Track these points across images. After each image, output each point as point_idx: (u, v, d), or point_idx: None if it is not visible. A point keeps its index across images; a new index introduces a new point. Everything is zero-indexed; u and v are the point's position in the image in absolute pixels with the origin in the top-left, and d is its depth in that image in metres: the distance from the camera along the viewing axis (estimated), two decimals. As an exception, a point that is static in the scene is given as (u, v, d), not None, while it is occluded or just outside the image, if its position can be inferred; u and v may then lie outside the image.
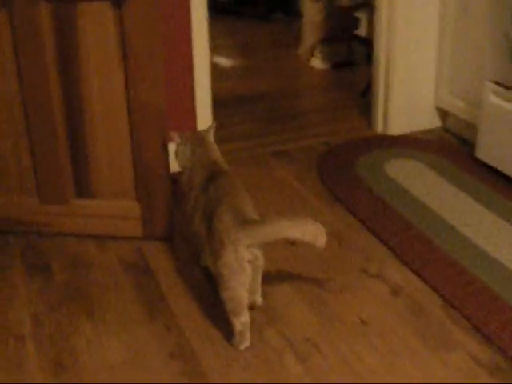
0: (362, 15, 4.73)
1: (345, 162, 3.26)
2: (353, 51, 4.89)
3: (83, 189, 2.66)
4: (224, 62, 5.11)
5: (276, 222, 2.07)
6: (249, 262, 2.00)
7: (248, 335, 2.07)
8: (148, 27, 2.36)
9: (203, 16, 3.05)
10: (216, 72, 4.64)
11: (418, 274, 2.38)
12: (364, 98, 4.11)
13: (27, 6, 2.37)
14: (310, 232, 2.03)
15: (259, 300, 2.23)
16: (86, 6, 2.37)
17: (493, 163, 3.08)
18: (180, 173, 2.48)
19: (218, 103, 3.46)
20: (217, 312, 2.17)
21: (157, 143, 2.53)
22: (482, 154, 3.14)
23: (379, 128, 3.63)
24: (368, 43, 4.26)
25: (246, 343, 2.06)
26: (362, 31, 4.77)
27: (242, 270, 1.99)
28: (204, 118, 3.21)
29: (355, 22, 4.76)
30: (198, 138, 2.41)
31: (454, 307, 2.21)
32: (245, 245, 1.98)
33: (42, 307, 2.29)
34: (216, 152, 2.39)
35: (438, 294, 2.28)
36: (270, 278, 2.33)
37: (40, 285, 2.41)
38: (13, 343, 2.14)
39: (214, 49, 5.23)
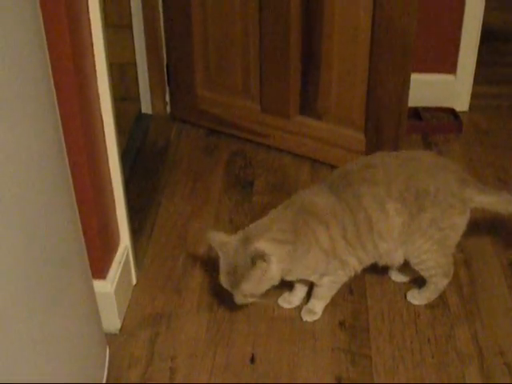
0: None
1: None
2: None
3: (308, 107, 2.43)
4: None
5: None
6: None
7: None
8: None
9: None
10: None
11: None
12: None
13: None
14: None
15: None
16: None
17: None
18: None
19: (495, 36, 2.93)
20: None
21: (399, 74, 2.19)
22: None
23: None
24: None
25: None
26: None
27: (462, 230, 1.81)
28: (468, 52, 2.75)
29: None
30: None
31: None
32: (474, 204, 1.79)
33: (224, 229, 2.13)
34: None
35: None
36: (484, 259, 2.01)
37: (233, 203, 2.26)
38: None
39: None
